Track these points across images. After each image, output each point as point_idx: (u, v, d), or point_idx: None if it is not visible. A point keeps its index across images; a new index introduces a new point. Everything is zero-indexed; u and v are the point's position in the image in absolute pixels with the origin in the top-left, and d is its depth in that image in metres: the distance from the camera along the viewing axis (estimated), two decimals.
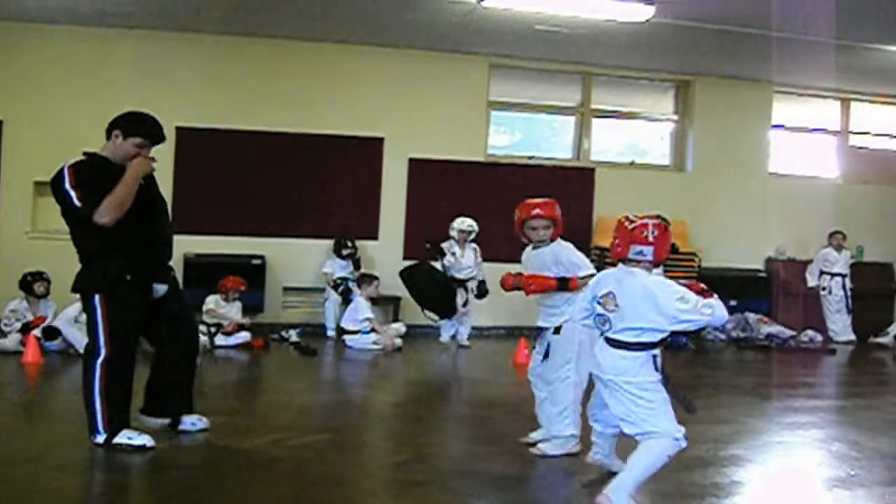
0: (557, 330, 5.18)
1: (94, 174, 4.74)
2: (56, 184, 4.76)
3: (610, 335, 4.14)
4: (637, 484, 4.01)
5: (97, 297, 4.76)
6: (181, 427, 5.20)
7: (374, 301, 9.80)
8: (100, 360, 4.76)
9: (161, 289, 5.02)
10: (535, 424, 5.35)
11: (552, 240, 5.20)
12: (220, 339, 9.03)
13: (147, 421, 5.13)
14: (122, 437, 4.78)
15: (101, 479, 4.60)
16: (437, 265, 9.73)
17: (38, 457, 4.65)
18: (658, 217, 4.29)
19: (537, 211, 5.14)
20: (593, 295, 4.25)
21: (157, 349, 5.20)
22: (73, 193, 4.69)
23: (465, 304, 9.80)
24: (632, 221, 4.13)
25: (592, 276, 4.88)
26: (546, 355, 5.20)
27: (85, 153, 4.90)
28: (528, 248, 5.31)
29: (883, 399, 7.51)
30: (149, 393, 5.17)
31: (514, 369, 8.48)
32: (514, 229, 5.24)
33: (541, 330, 5.28)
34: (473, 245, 9.90)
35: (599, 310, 4.18)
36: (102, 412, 4.77)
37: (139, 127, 4.93)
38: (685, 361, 9.36)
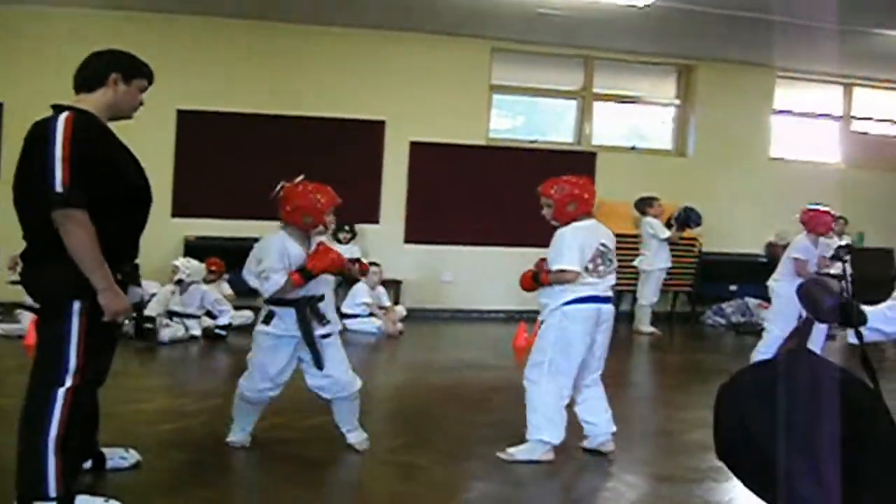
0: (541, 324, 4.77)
1: (94, 150, 3.50)
2: (40, 140, 3.44)
3: None
4: None
5: (76, 306, 3.43)
6: (111, 464, 4.17)
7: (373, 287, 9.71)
8: (62, 391, 3.41)
9: (137, 294, 3.84)
10: None
11: (559, 220, 4.70)
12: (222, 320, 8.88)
13: None
14: None
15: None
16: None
17: None
18: (302, 180, 4.86)
19: (539, 188, 4.75)
20: None
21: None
22: (59, 169, 3.34)
23: None
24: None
25: (564, 272, 4.53)
26: None
27: (71, 108, 3.65)
28: None
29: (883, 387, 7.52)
30: None
31: (514, 353, 8.49)
32: None
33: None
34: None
35: None
36: (56, 466, 3.39)
37: (140, 67, 3.82)
38: (681, 345, 9.36)
